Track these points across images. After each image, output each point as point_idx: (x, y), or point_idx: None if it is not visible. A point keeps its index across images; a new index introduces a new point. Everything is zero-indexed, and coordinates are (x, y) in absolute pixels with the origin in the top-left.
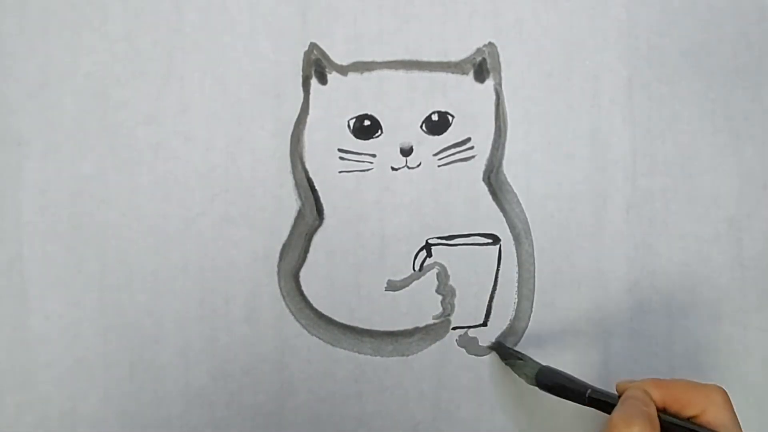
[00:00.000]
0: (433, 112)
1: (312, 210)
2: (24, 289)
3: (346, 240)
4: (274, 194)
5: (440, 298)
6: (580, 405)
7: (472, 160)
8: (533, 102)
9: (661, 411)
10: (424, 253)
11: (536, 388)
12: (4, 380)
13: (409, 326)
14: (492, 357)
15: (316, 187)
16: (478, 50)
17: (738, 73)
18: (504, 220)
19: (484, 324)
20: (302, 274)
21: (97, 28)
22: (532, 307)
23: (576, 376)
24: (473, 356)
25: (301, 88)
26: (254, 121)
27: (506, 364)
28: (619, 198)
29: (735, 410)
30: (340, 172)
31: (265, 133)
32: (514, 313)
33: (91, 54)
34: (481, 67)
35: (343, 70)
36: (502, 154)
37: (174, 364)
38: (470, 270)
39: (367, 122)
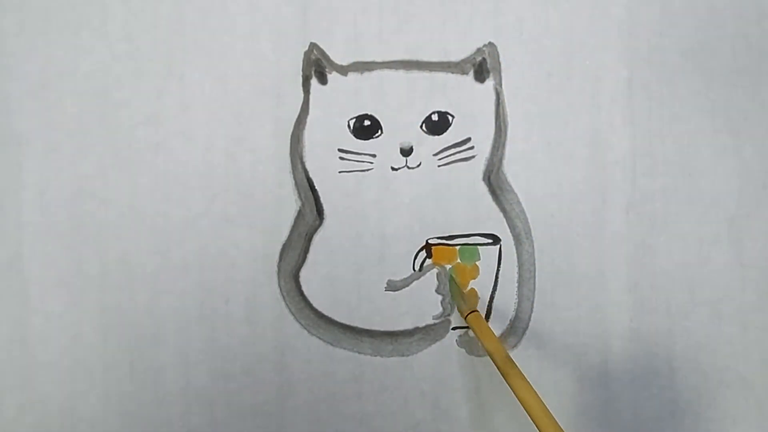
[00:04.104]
0: (433, 112)
1: (312, 210)
2: (24, 288)
3: (346, 240)
4: (274, 194)
5: (440, 298)
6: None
7: (472, 160)
8: (533, 102)
9: None
10: (424, 253)
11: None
12: (4, 380)
13: (409, 326)
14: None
15: (316, 187)
16: (478, 50)
17: (738, 73)
18: (504, 220)
19: None
20: (302, 274)
21: (97, 28)
22: (532, 307)
23: (576, 376)
24: (473, 356)
25: (301, 88)
26: (254, 121)
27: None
28: (619, 198)
29: (734, 410)
30: (340, 172)
31: (265, 133)
32: (514, 313)
33: (91, 54)
34: (481, 67)
35: (343, 70)
36: (502, 154)
37: (174, 364)
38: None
39: (367, 122)
